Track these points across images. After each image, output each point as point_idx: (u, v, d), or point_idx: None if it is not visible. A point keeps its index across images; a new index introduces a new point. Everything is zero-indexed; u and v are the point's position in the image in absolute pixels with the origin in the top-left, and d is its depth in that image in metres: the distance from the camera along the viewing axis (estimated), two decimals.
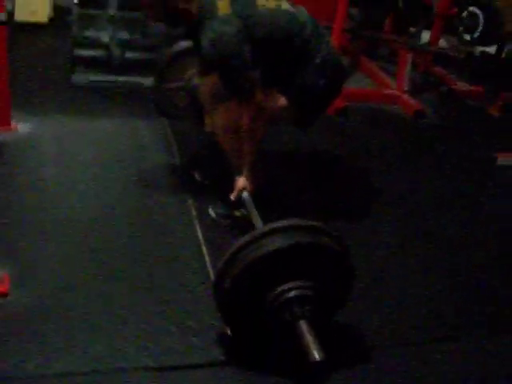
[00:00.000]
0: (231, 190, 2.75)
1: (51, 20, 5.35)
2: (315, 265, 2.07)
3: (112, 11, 4.64)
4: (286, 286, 2.01)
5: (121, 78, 4.28)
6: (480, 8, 5.00)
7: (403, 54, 4.74)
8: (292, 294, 2.01)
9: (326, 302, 2.13)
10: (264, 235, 2.01)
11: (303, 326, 1.99)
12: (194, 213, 2.99)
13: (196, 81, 3.37)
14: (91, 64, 4.25)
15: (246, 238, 2.03)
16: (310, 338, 1.96)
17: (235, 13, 2.49)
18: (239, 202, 2.74)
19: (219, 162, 3.24)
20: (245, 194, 2.70)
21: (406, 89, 4.74)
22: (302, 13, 2.71)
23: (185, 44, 3.50)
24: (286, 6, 2.68)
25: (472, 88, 5.23)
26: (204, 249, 2.74)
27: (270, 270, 2.01)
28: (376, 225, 3.13)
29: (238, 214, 2.91)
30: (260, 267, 1.99)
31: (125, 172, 3.27)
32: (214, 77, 2.74)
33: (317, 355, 1.91)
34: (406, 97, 4.71)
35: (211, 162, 3.35)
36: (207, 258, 2.68)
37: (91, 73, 4.24)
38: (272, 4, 2.63)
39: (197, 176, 3.27)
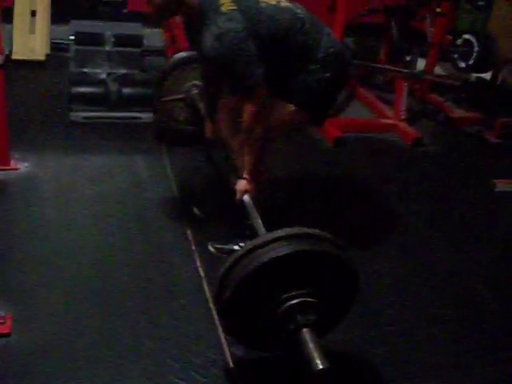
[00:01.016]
0: (231, 223, 2.75)
1: (48, 56, 5.37)
2: (317, 272, 2.04)
3: (108, 47, 4.69)
4: (288, 294, 1.98)
5: (118, 114, 4.29)
6: (474, 35, 5.04)
7: (399, 83, 4.76)
8: (294, 301, 1.98)
9: (329, 309, 2.10)
10: (265, 243, 1.99)
11: (306, 334, 1.96)
12: (193, 247, 2.99)
13: (196, 90, 3.40)
14: (89, 101, 4.24)
15: (247, 246, 2.01)
16: (313, 347, 1.92)
17: (239, 9, 2.44)
18: (241, 205, 2.64)
19: (218, 196, 3.26)
20: (246, 198, 2.62)
21: (403, 117, 4.75)
22: (301, 9, 2.68)
23: (181, 55, 3.53)
24: (284, 3, 2.65)
25: (469, 114, 5.24)
26: (204, 284, 2.73)
27: (271, 278, 1.98)
28: (375, 254, 3.12)
29: (238, 248, 2.90)
30: (261, 275, 1.96)
31: (124, 208, 3.27)
32: (233, 103, 2.74)
33: (320, 364, 1.87)
34: (403, 125, 4.73)
35: (210, 196, 3.35)
36: (208, 294, 2.66)
37: (89, 109, 4.24)
38: (272, 1, 2.61)
39: (196, 210, 3.27)
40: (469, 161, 4.50)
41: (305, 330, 1.97)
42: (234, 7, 2.43)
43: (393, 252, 3.19)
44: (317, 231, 2.06)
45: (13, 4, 5.27)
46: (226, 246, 2.94)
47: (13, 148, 3.56)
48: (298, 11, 2.65)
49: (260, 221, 2.44)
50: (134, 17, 5.35)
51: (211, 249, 2.97)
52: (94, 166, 3.69)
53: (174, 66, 3.58)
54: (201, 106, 3.31)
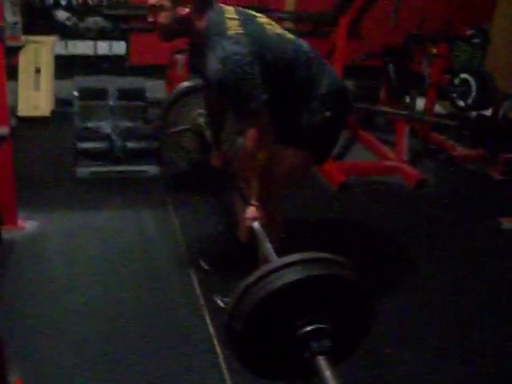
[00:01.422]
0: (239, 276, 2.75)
1: (52, 112, 5.46)
2: (331, 297, 1.99)
3: (112, 102, 4.76)
4: (301, 321, 1.92)
5: (124, 168, 4.34)
6: (471, 74, 5.11)
7: (400, 125, 4.81)
8: (308, 328, 1.91)
9: (344, 335, 2.04)
10: (274, 270, 1.93)
11: (321, 361, 1.89)
12: (202, 302, 2.99)
13: (202, 119, 3.45)
14: (94, 156, 4.30)
15: (257, 273, 1.95)
16: (329, 375, 1.86)
17: (246, 33, 2.43)
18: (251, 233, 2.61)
19: (225, 249, 3.28)
20: (255, 225, 2.54)
21: (405, 159, 4.78)
22: (305, 44, 2.69)
23: (184, 85, 3.57)
24: (289, 35, 2.66)
25: (471, 152, 5.27)
26: (214, 339, 2.72)
27: (282, 305, 1.92)
28: (379, 295, 3.11)
29: None
30: (272, 303, 1.90)
31: (132, 264, 3.29)
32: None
33: None
34: (406, 167, 4.76)
35: (217, 248, 3.36)
36: (218, 349, 2.65)
37: (94, 165, 4.30)
38: (278, 30, 2.62)
39: (203, 264, 3.28)
40: (473, 199, 4.51)
41: (320, 357, 1.90)
42: (241, 31, 2.42)
43: (397, 293, 3.18)
44: (328, 255, 2.01)
45: (18, 62, 5.40)
46: None
47: (20, 206, 3.59)
48: (304, 45, 2.66)
49: (270, 247, 2.36)
50: (137, 70, 5.47)
51: (220, 303, 2.96)
52: (101, 221, 3.73)
53: (177, 96, 3.60)
54: (207, 134, 3.33)
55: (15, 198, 3.52)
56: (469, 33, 6.44)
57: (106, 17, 5.90)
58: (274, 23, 2.65)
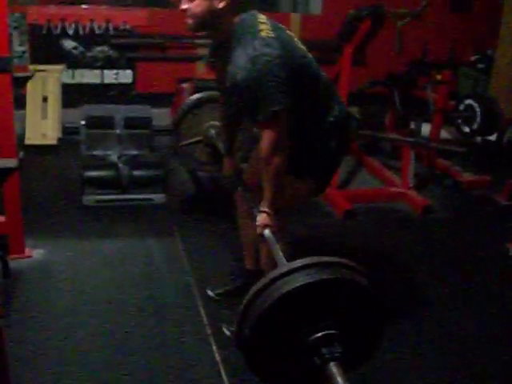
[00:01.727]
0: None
1: (60, 140, 5.50)
2: (341, 302, 1.97)
3: (118, 130, 4.80)
4: (312, 327, 1.90)
5: (130, 196, 4.36)
6: (475, 100, 5.12)
7: (406, 151, 4.81)
8: (319, 334, 1.89)
9: (356, 342, 2.02)
10: (283, 275, 1.92)
11: (333, 368, 1.87)
12: (209, 331, 2.99)
13: (214, 130, 3.45)
14: (100, 184, 4.32)
15: (264, 280, 1.94)
16: (341, 381, 1.84)
17: (277, 38, 2.43)
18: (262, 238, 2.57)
19: (232, 277, 3.28)
20: (266, 232, 2.51)
21: (411, 185, 4.79)
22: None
23: (194, 97, 3.59)
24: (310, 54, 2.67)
25: (477, 178, 5.27)
26: (221, 368, 2.72)
27: (293, 309, 1.90)
28: (390, 326, 3.08)
29: None
30: (282, 307, 1.88)
31: (138, 293, 3.29)
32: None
33: None
34: (412, 193, 4.76)
35: (224, 277, 3.36)
36: (225, 378, 2.65)
37: (101, 193, 4.31)
38: (303, 47, 2.63)
39: (210, 293, 3.28)
40: (480, 225, 4.50)
41: (332, 363, 1.88)
42: (272, 35, 2.42)
43: (404, 320, 3.17)
44: (340, 259, 2.01)
45: (25, 90, 5.46)
46: None
47: (27, 235, 3.60)
48: (321, 70, 2.69)
49: (281, 254, 2.33)
50: (143, 98, 5.51)
51: (227, 332, 2.95)
52: (108, 250, 3.74)
53: (188, 109, 3.62)
54: (219, 145, 3.34)
55: (22, 228, 3.53)
56: (473, 58, 6.51)
57: (113, 46, 5.95)
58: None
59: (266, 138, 2.42)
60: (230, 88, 2.53)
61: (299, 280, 1.90)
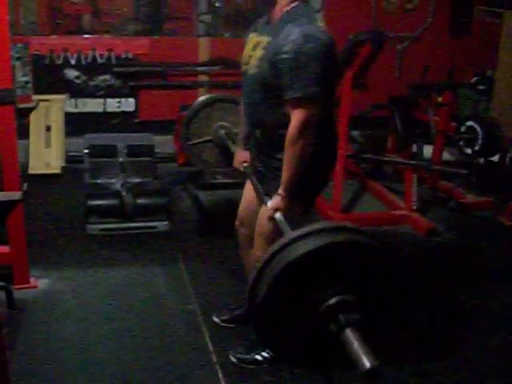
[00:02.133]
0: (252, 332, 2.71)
1: (63, 169, 5.52)
2: (353, 266, 1.95)
3: (121, 158, 4.82)
4: (326, 292, 1.89)
5: (134, 224, 4.36)
6: (477, 122, 5.13)
7: (408, 174, 4.82)
8: (334, 300, 1.88)
9: (370, 306, 2.00)
10: (296, 239, 1.91)
11: (350, 333, 1.83)
12: (214, 359, 2.97)
13: (223, 131, 3.45)
14: (104, 213, 4.33)
15: (279, 242, 1.93)
16: (358, 346, 1.80)
17: (330, 35, 2.48)
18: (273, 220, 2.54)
19: (237, 304, 3.26)
20: (277, 215, 2.50)
21: (414, 208, 4.79)
22: None
23: (202, 99, 3.59)
24: None
25: (480, 199, 5.26)
26: None
27: (306, 274, 1.88)
28: (392, 356, 3.07)
29: (259, 357, 2.89)
30: (295, 272, 1.86)
31: (144, 322, 3.28)
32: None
33: (367, 362, 1.76)
34: (416, 216, 4.75)
35: (229, 304, 3.35)
36: None
37: (105, 222, 4.32)
38: None
39: (216, 319, 3.27)
40: (485, 247, 4.49)
41: (348, 329, 1.84)
42: (326, 30, 2.49)
43: (410, 348, 3.14)
44: (349, 224, 2.01)
45: (29, 120, 5.49)
46: (247, 356, 2.93)
47: (31, 265, 3.60)
48: None
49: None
50: (146, 126, 5.55)
51: (233, 359, 2.94)
52: (112, 279, 3.73)
53: (198, 108, 3.62)
54: (229, 143, 3.32)
55: (27, 258, 3.53)
56: (473, 80, 6.55)
57: (115, 74, 6.01)
58: None
59: (297, 117, 2.44)
60: (262, 61, 2.54)
61: (309, 244, 1.89)
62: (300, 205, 2.71)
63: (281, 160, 2.58)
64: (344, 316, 1.87)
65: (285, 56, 2.41)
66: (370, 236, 2.01)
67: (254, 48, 2.62)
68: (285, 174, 2.52)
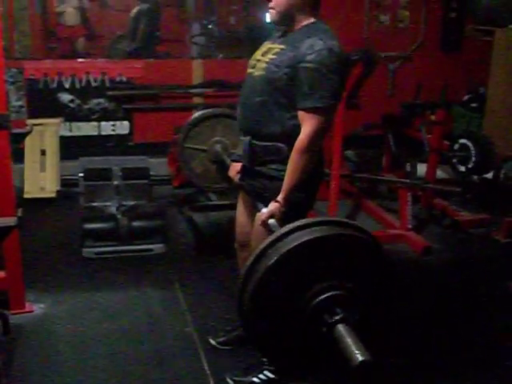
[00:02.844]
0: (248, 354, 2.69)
1: (58, 193, 5.52)
2: (346, 260, 1.93)
3: (116, 181, 4.83)
4: (316, 288, 1.86)
5: (130, 247, 4.36)
6: (470, 139, 5.15)
7: (403, 193, 4.84)
8: (325, 296, 1.85)
9: (363, 301, 1.97)
10: (288, 233, 1.89)
11: (341, 329, 1.80)
12: (212, 382, 2.97)
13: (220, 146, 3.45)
14: (100, 236, 4.33)
15: (271, 237, 1.92)
16: (350, 340, 1.77)
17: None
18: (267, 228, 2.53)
19: (234, 326, 3.26)
20: (271, 221, 2.50)
21: (410, 226, 4.79)
22: None
23: (203, 112, 3.60)
24: None
25: (475, 216, 5.27)
26: None
27: (297, 269, 1.86)
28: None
29: (256, 380, 2.88)
30: (285, 266, 1.84)
31: (140, 345, 3.27)
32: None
33: (360, 356, 1.74)
34: (411, 234, 4.76)
35: (226, 326, 3.34)
36: None
37: (100, 245, 4.32)
38: None
39: (212, 342, 3.26)
40: (480, 264, 4.50)
41: (340, 325, 1.81)
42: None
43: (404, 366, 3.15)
44: (339, 219, 1.99)
45: (23, 145, 5.50)
46: (244, 379, 2.92)
47: (27, 289, 3.60)
48: None
49: None
50: (140, 148, 5.56)
51: (230, 382, 2.93)
52: (108, 302, 3.72)
53: (197, 121, 3.64)
54: (225, 158, 3.32)
55: (22, 282, 3.53)
56: (465, 98, 6.58)
57: (109, 98, 6.03)
58: None
59: (310, 126, 2.47)
60: (273, 67, 2.56)
61: (300, 238, 1.87)
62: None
63: (268, 177, 2.63)
64: (337, 311, 1.86)
65: (308, 65, 2.46)
66: (363, 230, 2.00)
67: (265, 54, 2.67)
68: (287, 181, 2.53)
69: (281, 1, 2.56)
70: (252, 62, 2.74)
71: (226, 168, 3.22)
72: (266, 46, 2.72)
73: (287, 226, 2.00)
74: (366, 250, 1.98)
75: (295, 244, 1.86)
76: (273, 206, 2.54)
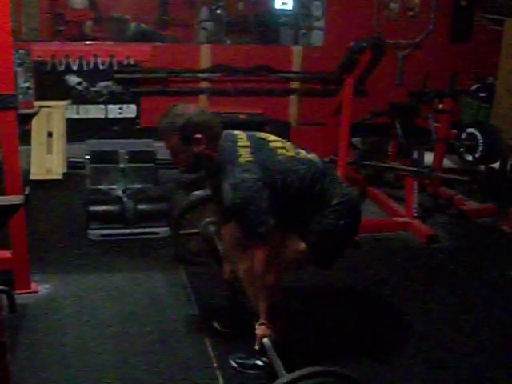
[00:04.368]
0: (252, 337, 2.72)
1: (65, 175, 5.53)
2: None
3: (123, 164, 4.83)
4: None
5: (135, 230, 4.37)
6: (477, 129, 5.13)
7: (409, 181, 4.83)
8: None
9: None
10: None
11: None
12: (215, 364, 2.98)
13: (213, 228, 3.47)
14: (105, 218, 4.34)
15: None
16: None
17: (257, 161, 2.58)
18: (262, 350, 2.65)
19: (238, 310, 3.26)
20: (265, 341, 2.62)
21: (415, 214, 4.79)
22: (318, 159, 2.81)
23: (200, 194, 3.61)
24: (303, 153, 2.78)
25: (481, 206, 5.27)
26: None
27: None
28: (398, 367, 3.07)
29: (259, 362, 2.89)
30: None
31: (144, 327, 3.28)
32: (234, 225, 2.80)
33: None
34: (416, 223, 4.75)
35: (230, 310, 3.34)
36: None
37: (106, 227, 4.33)
38: (291, 153, 2.72)
39: (216, 325, 3.27)
40: (485, 253, 4.50)
41: None
42: (251, 159, 2.59)
43: (410, 353, 3.16)
44: (334, 369, 2.09)
45: (30, 126, 5.51)
46: (247, 361, 2.93)
47: (33, 270, 3.62)
48: (316, 161, 2.79)
49: (280, 362, 2.45)
50: (147, 132, 5.55)
51: (233, 364, 2.95)
52: (113, 284, 3.74)
53: (191, 205, 3.68)
54: (218, 243, 3.35)
55: (28, 263, 3.54)
56: (474, 87, 6.55)
57: (117, 81, 6.02)
58: (287, 145, 2.79)
59: (258, 257, 2.58)
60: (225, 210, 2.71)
61: None
62: (321, 263, 2.94)
63: None
64: None
65: (230, 211, 2.65)
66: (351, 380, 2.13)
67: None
68: (262, 306, 2.67)
69: (183, 160, 2.67)
70: None
71: (218, 252, 3.30)
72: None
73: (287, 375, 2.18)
74: None
75: None
76: (261, 329, 2.65)
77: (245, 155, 2.60)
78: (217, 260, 3.35)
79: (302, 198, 2.69)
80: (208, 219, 3.57)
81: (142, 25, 7.15)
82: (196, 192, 3.67)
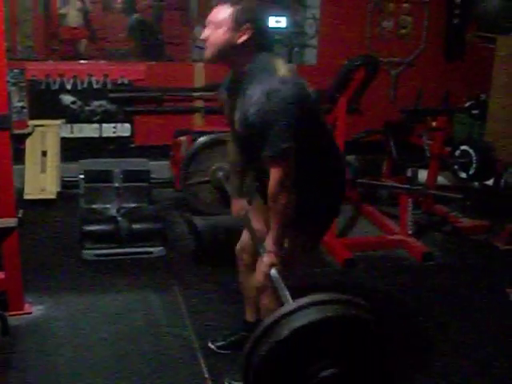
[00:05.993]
0: None
1: (59, 194, 5.52)
2: (347, 340, 1.97)
3: (117, 183, 4.83)
4: (317, 366, 1.90)
5: (129, 249, 4.35)
6: (471, 146, 5.15)
7: (403, 199, 4.83)
8: (325, 373, 1.89)
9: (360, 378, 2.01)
10: (290, 313, 1.94)
11: None
12: None
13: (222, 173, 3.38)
14: (100, 238, 4.32)
15: (271, 318, 1.96)
16: None
17: (294, 81, 2.43)
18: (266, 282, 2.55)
19: (233, 330, 3.25)
20: (272, 272, 2.49)
21: (410, 232, 4.79)
22: None
23: (205, 139, 3.55)
24: None
25: (476, 223, 5.28)
26: None
27: (297, 349, 1.90)
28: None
29: None
30: (286, 348, 1.88)
31: (140, 348, 3.26)
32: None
33: None
34: (411, 240, 4.76)
35: (225, 330, 3.33)
36: None
37: (100, 247, 4.31)
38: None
39: (211, 346, 3.25)
40: (480, 271, 4.50)
41: None
42: (290, 76, 2.43)
43: (408, 371, 3.14)
44: (341, 296, 2.02)
45: (24, 145, 5.50)
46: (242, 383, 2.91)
47: (26, 291, 3.59)
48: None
49: (288, 293, 2.33)
50: (141, 151, 5.55)
51: None
52: (108, 305, 3.72)
53: (197, 150, 3.60)
54: (227, 187, 3.28)
55: (21, 284, 3.52)
56: (467, 104, 6.58)
57: (111, 100, 6.02)
58: None
59: (274, 175, 2.43)
60: (240, 123, 2.54)
61: (305, 318, 1.92)
62: (310, 239, 2.79)
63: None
64: None
65: (252, 118, 2.41)
66: (362, 307, 2.08)
67: (233, 112, 2.62)
68: (273, 231, 2.54)
69: (217, 41, 2.47)
70: (229, 119, 2.72)
71: (227, 196, 3.22)
72: (230, 102, 2.66)
73: (293, 302, 2.07)
74: (367, 330, 2.03)
75: (302, 324, 1.92)
76: (269, 256, 2.53)
77: (283, 71, 2.44)
78: (226, 203, 3.25)
79: (312, 140, 2.54)
80: (216, 165, 3.50)
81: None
82: (201, 138, 3.60)
